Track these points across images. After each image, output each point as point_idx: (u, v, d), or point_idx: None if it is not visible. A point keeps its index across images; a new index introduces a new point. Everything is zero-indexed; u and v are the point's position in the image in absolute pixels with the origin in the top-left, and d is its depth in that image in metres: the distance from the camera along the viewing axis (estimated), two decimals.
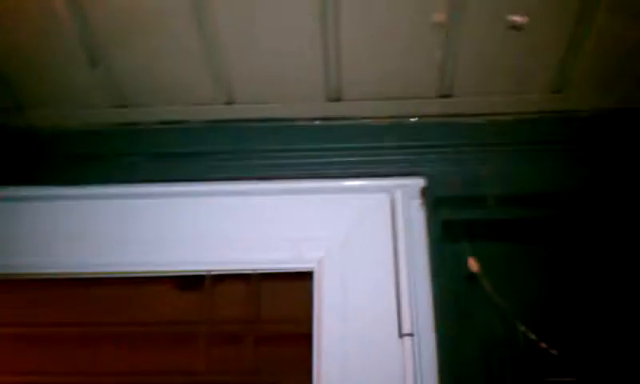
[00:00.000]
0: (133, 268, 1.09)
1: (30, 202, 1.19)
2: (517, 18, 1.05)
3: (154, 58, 1.11)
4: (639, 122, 1.20)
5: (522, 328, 1.05)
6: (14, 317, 1.15)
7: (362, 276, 1.07)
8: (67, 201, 1.18)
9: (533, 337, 1.05)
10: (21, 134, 1.26)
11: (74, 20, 1.06)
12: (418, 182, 1.17)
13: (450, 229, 1.15)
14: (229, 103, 1.20)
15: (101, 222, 1.15)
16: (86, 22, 1.06)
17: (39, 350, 1.14)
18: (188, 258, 1.10)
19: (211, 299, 1.08)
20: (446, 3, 1.03)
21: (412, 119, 1.23)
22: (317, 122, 1.23)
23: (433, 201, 1.16)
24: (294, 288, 1.10)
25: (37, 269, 1.13)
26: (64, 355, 1.12)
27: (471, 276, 1.10)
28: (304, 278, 1.08)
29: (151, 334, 1.09)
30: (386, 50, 1.10)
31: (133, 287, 1.11)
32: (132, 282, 1.10)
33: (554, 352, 1.04)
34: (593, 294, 1.11)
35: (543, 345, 1.04)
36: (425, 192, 1.17)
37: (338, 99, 1.20)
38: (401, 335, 1.01)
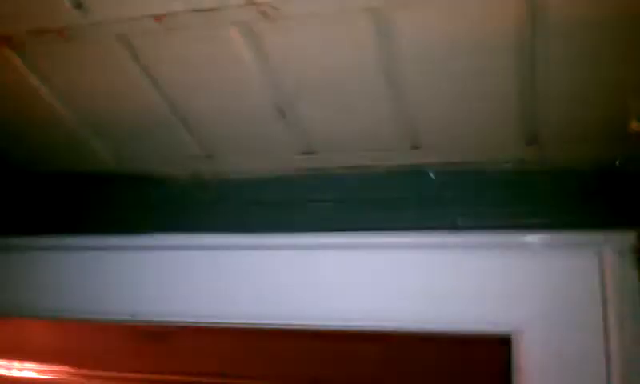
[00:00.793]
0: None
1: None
2: None
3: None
4: None
5: None
6: None
7: (568, 340, 0.99)
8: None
9: None
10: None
11: (262, 73, 1.07)
12: (629, 237, 1.04)
13: None
14: (414, 148, 1.16)
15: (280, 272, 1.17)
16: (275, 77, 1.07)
17: None
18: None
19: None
20: None
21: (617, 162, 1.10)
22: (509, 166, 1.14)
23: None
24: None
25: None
26: None
27: None
28: (499, 343, 1.01)
29: None
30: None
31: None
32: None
33: None
34: None
35: None
36: (637, 248, 1.04)
37: (533, 142, 1.10)
38: None
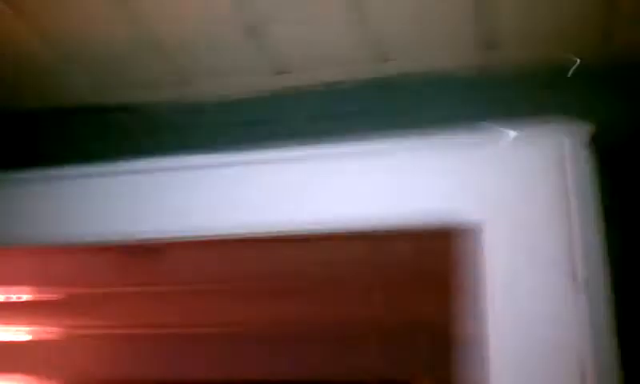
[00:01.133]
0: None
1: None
2: None
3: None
4: None
5: None
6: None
7: (530, 225, 1.09)
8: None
9: None
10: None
11: None
12: (585, 128, 1.13)
13: (620, 178, 1.14)
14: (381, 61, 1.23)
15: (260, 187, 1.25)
16: None
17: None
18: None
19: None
20: None
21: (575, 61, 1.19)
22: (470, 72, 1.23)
23: (603, 147, 1.13)
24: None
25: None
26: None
27: None
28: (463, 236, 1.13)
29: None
30: None
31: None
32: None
33: None
34: None
35: None
36: (592, 139, 1.13)
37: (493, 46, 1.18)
38: (574, 282, 1.04)
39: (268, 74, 1.28)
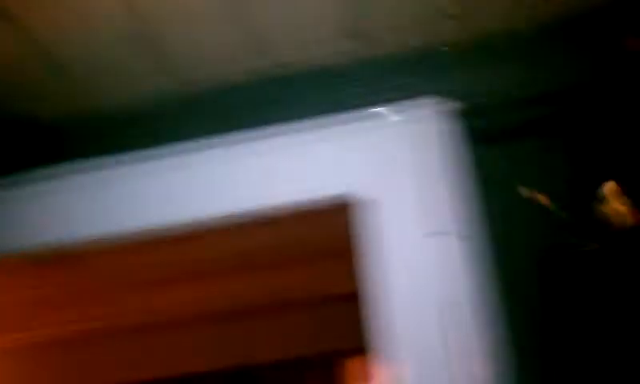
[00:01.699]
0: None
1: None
2: None
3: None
4: None
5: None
6: None
7: (402, 185, 1.25)
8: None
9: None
10: None
11: None
12: (457, 105, 1.30)
13: (482, 136, 1.30)
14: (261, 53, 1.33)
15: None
16: None
17: None
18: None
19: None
20: None
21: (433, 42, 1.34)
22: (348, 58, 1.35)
23: (462, 112, 1.29)
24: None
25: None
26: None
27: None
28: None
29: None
30: None
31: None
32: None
33: None
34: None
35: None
36: (453, 106, 1.30)
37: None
38: (437, 235, 1.20)
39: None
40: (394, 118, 1.30)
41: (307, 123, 1.33)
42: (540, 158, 1.28)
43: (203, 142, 1.35)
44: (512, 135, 1.30)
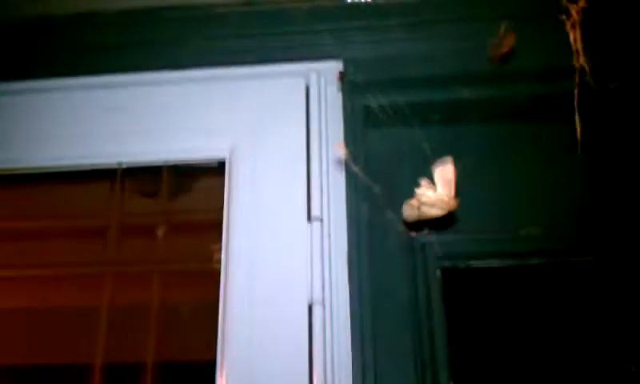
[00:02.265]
0: (45, 163, 1.09)
1: None
2: None
3: None
4: None
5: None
6: None
7: (274, 162, 1.08)
8: None
9: None
10: None
11: None
12: (335, 66, 1.14)
13: (372, 114, 1.14)
14: None
15: (11, 117, 1.13)
16: None
17: None
18: (98, 152, 1.10)
19: (122, 192, 1.10)
20: None
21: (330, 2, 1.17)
22: (230, 9, 1.16)
23: (352, 85, 1.13)
24: (207, 179, 1.12)
25: None
26: None
27: None
28: (217, 169, 1.10)
29: (62, 227, 1.13)
30: None
31: (45, 183, 1.13)
32: (44, 177, 1.11)
33: None
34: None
35: None
36: (343, 76, 1.14)
37: None
38: (310, 220, 1.04)
39: None
40: (262, 75, 1.13)
41: (179, 74, 1.15)
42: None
43: (54, 82, 1.17)
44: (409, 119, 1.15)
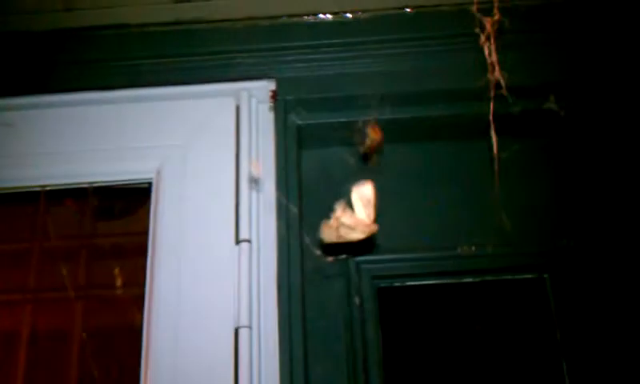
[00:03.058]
0: None
1: None
2: None
3: None
4: None
5: None
6: None
7: (202, 184, 1.06)
8: None
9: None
10: None
11: None
12: (268, 85, 1.13)
13: (305, 133, 1.14)
14: (68, 9, 1.12)
15: None
16: None
17: None
18: (22, 175, 1.07)
19: (45, 215, 1.07)
20: None
21: (264, 22, 1.17)
22: (161, 28, 1.15)
23: (285, 104, 1.13)
24: (134, 202, 1.09)
25: None
26: None
27: None
28: (144, 191, 1.07)
29: None
30: None
31: None
32: None
33: None
34: None
35: None
36: (275, 95, 1.14)
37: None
38: (237, 242, 1.02)
39: None
40: (193, 95, 1.12)
41: (106, 94, 1.12)
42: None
43: None
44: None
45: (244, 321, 0.97)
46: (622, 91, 1.11)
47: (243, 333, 0.96)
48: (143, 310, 0.98)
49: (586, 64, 1.11)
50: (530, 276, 1.14)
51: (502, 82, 0.91)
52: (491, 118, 0.93)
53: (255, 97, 1.13)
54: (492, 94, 0.93)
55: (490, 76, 0.91)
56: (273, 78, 1.14)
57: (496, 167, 0.95)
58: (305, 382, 0.98)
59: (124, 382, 1.03)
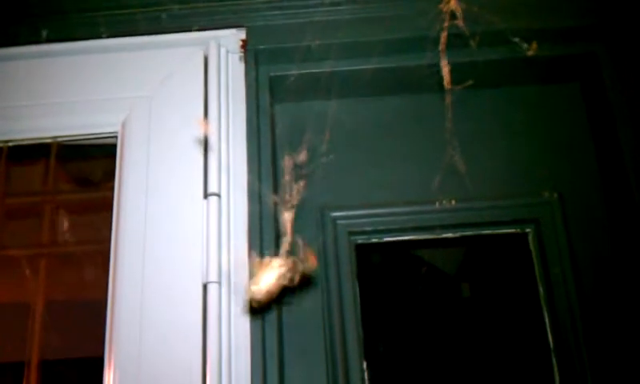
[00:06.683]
0: None
1: None
2: None
3: None
4: None
5: None
6: None
7: (169, 137, 1.02)
8: None
9: None
10: None
11: None
12: (237, 34, 1.09)
13: (277, 85, 1.09)
14: None
15: None
16: None
17: None
18: None
19: (8, 170, 1.03)
20: None
21: None
22: None
23: (256, 54, 1.08)
24: (98, 156, 1.05)
25: None
26: None
27: None
28: (109, 144, 1.03)
29: None
30: None
31: None
32: None
33: None
34: None
35: None
36: (245, 44, 1.09)
37: None
38: (206, 196, 0.99)
39: None
40: (157, 44, 1.06)
41: (70, 45, 1.08)
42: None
43: None
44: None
45: (213, 276, 0.94)
46: None
47: (212, 288, 0.93)
48: (108, 267, 0.95)
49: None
50: (512, 230, 1.11)
51: (457, 13, 0.86)
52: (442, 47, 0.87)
53: (224, 46, 1.08)
54: (445, 24, 0.87)
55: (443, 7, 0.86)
56: (243, 26, 1.09)
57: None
58: (277, 340, 0.96)
59: (90, 340, 1.00)
